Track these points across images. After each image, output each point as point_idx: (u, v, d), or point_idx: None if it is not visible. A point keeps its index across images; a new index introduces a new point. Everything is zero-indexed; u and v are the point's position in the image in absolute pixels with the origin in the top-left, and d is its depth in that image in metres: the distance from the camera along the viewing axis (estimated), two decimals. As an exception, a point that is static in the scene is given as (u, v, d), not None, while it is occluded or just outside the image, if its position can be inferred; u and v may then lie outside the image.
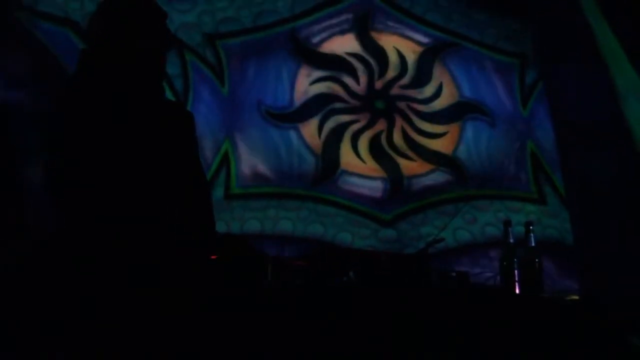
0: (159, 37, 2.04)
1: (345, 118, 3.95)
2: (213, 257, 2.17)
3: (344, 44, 4.05)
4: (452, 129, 4.08)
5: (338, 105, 3.96)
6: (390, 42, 4.12)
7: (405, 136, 4.00)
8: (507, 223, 2.91)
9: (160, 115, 2.00)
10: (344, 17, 4.06)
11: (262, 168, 3.76)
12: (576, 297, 2.52)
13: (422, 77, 4.11)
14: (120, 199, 1.86)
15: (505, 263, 2.85)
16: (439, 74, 4.14)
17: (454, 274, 2.88)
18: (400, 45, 4.12)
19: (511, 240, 2.87)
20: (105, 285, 1.80)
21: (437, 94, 4.11)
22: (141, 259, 1.84)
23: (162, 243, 1.88)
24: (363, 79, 4.03)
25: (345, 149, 3.91)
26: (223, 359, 2.06)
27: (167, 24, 2.07)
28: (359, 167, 3.90)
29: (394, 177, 3.91)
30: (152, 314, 1.83)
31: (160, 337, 1.83)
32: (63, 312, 1.81)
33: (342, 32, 4.05)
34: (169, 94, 3.51)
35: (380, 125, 3.98)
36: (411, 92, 4.08)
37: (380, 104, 4.03)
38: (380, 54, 4.08)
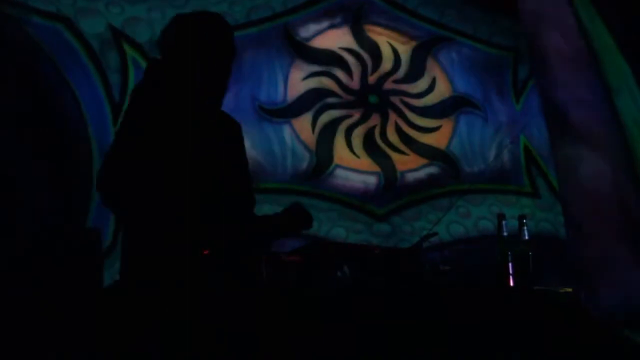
0: (227, 51, 2.15)
1: (338, 113, 3.95)
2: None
3: (337, 39, 4.05)
4: (446, 123, 4.09)
5: (331, 100, 3.96)
6: (383, 37, 4.12)
7: (399, 131, 4.00)
8: (501, 216, 2.92)
9: (217, 125, 2.11)
10: (337, 11, 4.06)
11: (256, 163, 3.75)
12: (569, 290, 2.52)
13: (415, 71, 4.12)
14: (169, 203, 1.91)
15: (499, 256, 2.86)
16: (432, 69, 4.15)
17: (447, 268, 2.89)
18: (393, 39, 4.13)
19: (505, 234, 2.88)
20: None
21: (430, 88, 4.12)
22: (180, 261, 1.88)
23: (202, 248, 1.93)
24: (356, 73, 4.03)
25: (339, 143, 3.91)
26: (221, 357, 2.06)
27: (233, 39, 2.16)
28: (352, 161, 3.91)
29: (388, 172, 3.92)
30: (152, 314, 1.84)
31: (159, 337, 1.84)
32: (62, 311, 1.82)
33: (335, 27, 4.05)
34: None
35: (374, 119, 3.99)
36: (404, 87, 4.08)
37: (373, 99, 4.03)
38: (373, 49, 4.08)
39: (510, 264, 2.82)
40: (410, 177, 3.95)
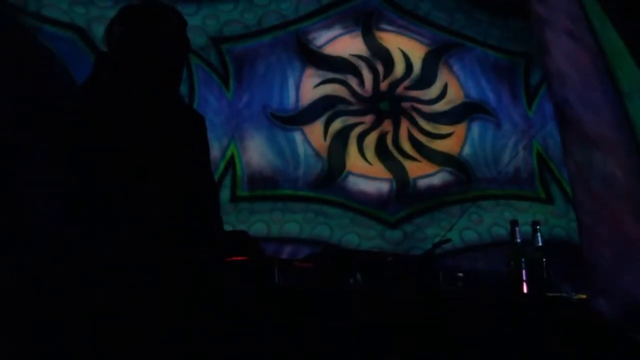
0: (178, 45, 2.06)
1: (350, 120, 3.95)
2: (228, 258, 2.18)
3: (349, 46, 4.05)
4: (458, 129, 4.08)
5: (343, 107, 3.96)
6: (394, 43, 4.12)
7: (411, 137, 4.00)
8: (514, 223, 2.90)
9: (174, 119, 2.02)
10: (348, 18, 4.07)
11: (268, 171, 3.76)
12: (583, 296, 2.50)
13: (427, 77, 4.11)
14: (128, 201, 1.87)
15: (512, 263, 2.84)
16: (443, 75, 4.15)
17: (461, 275, 2.87)
18: (404, 46, 4.13)
19: (518, 240, 2.86)
20: (110, 286, 1.81)
21: (442, 94, 4.11)
22: (147, 261, 1.85)
23: (168, 245, 1.90)
24: (368, 80, 4.04)
25: (351, 150, 3.91)
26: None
27: (186, 32, 2.08)
28: (364, 168, 3.90)
29: (400, 179, 3.91)
30: (154, 316, 1.84)
31: (160, 339, 1.84)
32: (63, 314, 1.82)
33: (347, 34, 4.06)
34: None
35: (386, 126, 3.99)
36: (416, 93, 4.08)
37: (385, 105, 4.03)
38: (385, 55, 4.08)
39: (523, 271, 2.80)
40: (423, 183, 3.94)
